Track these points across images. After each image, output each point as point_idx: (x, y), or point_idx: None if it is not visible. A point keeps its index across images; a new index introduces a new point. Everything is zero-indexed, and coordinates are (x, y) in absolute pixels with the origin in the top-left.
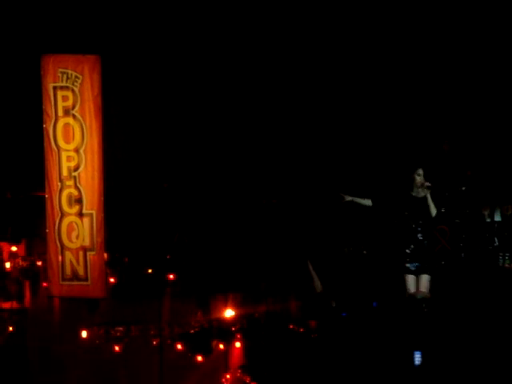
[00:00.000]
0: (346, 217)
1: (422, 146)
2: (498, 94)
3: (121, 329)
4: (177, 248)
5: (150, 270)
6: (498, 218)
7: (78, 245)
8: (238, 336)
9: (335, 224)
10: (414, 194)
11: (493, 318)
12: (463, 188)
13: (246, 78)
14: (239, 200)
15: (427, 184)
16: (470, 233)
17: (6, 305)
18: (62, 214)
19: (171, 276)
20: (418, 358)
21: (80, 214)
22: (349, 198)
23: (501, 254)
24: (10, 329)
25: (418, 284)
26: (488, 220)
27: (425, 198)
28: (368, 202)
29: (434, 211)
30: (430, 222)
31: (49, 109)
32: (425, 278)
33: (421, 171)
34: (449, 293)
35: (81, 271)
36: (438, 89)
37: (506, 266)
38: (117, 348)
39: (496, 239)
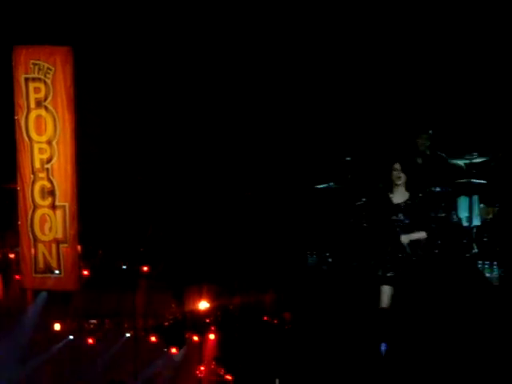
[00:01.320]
0: (309, 220)
1: (398, 142)
2: (477, 87)
3: (94, 321)
4: (151, 240)
5: (123, 263)
6: (476, 222)
7: (51, 237)
8: (212, 328)
9: (297, 227)
10: (392, 197)
11: (468, 330)
12: (438, 189)
13: (219, 69)
14: (214, 193)
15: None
16: (446, 239)
17: None
18: (35, 207)
19: (145, 268)
20: (384, 349)
21: (53, 207)
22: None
23: (480, 262)
24: None
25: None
26: (466, 224)
27: (404, 203)
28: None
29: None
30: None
31: (21, 100)
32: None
33: (398, 166)
34: (422, 303)
35: (54, 264)
36: (413, 81)
37: (487, 275)
38: (90, 341)
39: (475, 245)
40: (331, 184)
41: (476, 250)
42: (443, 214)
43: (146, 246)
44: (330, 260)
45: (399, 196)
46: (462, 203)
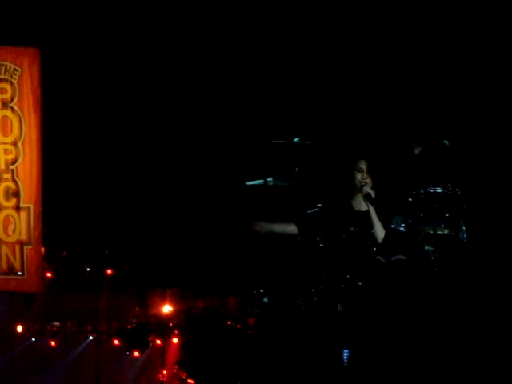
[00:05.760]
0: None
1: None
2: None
3: (57, 324)
4: (115, 243)
5: (87, 265)
6: None
7: (15, 239)
8: (176, 332)
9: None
10: (355, 205)
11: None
12: (438, 190)
13: (176, 73)
14: (177, 196)
15: (367, 189)
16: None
17: None
18: None
19: (109, 271)
20: (346, 356)
21: (17, 208)
22: (266, 228)
23: None
24: None
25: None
26: None
27: (367, 212)
28: (293, 229)
29: (381, 233)
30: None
31: None
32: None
33: (363, 164)
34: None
35: (17, 265)
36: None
37: None
38: (53, 343)
39: None
40: (269, 180)
41: None
42: (446, 231)
43: (110, 248)
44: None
45: (363, 202)
46: None
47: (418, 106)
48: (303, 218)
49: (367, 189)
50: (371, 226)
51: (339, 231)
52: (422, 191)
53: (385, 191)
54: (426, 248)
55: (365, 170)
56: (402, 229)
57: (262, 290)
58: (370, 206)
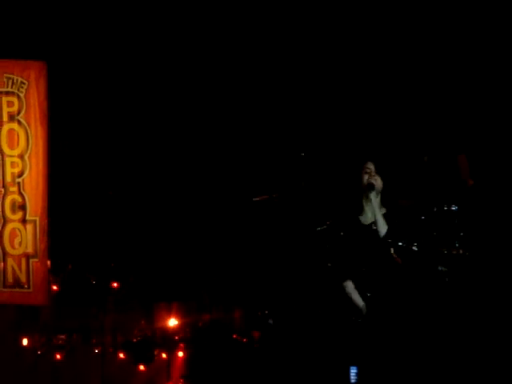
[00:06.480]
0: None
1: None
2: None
3: (63, 337)
4: (121, 256)
5: (93, 278)
6: None
7: (21, 251)
8: (181, 345)
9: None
10: (363, 220)
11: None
12: (453, 208)
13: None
14: (183, 210)
15: (370, 180)
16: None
17: None
18: (5, 221)
19: (115, 284)
20: (354, 374)
21: (23, 221)
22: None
23: None
24: None
25: None
26: None
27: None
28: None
29: (383, 229)
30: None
31: None
32: None
33: (370, 165)
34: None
35: (23, 278)
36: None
37: None
38: (58, 356)
39: None
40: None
41: None
42: (460, 251)
43: (116, 261)
44: (270, 322)
45: (371, 213)
46: None
47: (428, 110)
48: (312, 235)
49: (371, 180)
50: (380, 241)
51: (348, 248)
52: (436, 209)
53: (394, 192)
54: (440, 269)
55: (372, 171)
56: (414, 248)
57: (266, 312)
58: (371, 197)
